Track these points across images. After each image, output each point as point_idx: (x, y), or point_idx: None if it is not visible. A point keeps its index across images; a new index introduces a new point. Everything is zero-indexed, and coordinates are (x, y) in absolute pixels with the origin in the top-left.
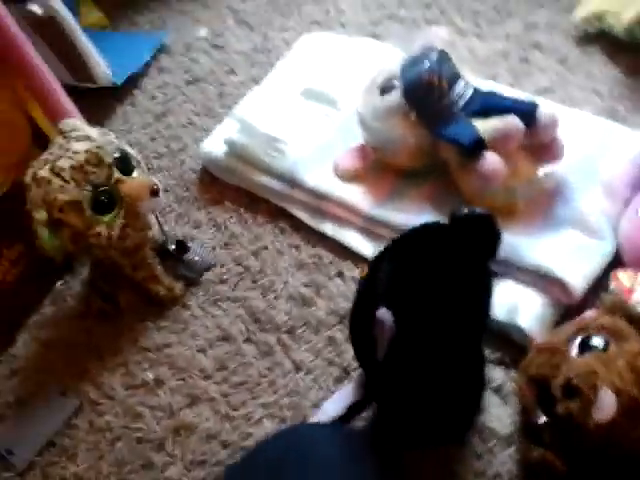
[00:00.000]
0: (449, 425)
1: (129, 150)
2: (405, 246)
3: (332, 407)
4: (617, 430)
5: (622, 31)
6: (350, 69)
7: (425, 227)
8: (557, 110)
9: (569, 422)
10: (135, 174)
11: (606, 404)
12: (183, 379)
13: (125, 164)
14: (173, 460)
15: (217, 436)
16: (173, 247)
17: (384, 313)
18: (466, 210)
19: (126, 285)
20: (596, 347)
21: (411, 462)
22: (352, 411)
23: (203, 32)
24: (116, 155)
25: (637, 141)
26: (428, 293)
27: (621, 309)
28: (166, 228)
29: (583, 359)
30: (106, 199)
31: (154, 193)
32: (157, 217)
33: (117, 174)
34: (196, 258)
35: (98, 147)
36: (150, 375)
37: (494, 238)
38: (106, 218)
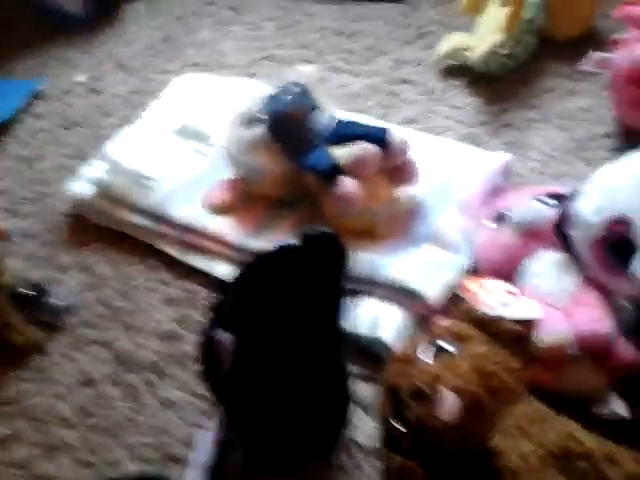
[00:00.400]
0: (314, 442)
1: None
2: (256, 268)
3: (199, 456)
4: (464, 429)
5: (479, 63)
6: (222, 106)
7: (278, 249)
8: (418, 138)
9: (420, 426)
10: None
11: (448, 405)
12: (41, 430)
13: None
14: None
15: None
16: (29, 292)
17: (223, 337)
18: (314, 231)
19: None
20: (445, 352)
21: None
22: (221, 451)
23: (81, 77)
24: None
25: (490, 162)
26: (273, 312)
27: (469, 315)
28: (23, 271)
29: (429, 365)
30: None
31: (3, 237)
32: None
33: None
34: (58, 302)
35: None
36: (6, 430)
37: (340, 255)
38: None
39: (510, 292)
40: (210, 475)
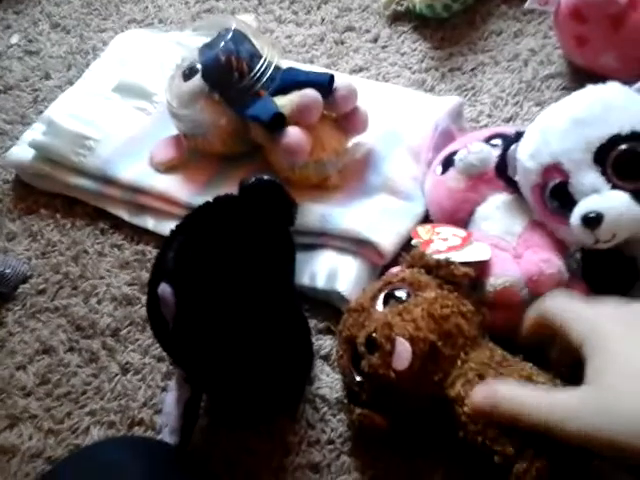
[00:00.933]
0: (278, 396)
1: None
2: (196, 220)
3: (172, 412)
4: (419, 376)
5: (424, 8)
6: (163, 62)
7: (217, 199)
8: (366, 85)
9: (375, 376)
10: None
11: (401, 352)
12: (1, 400)
13: None
14: None
15: (41, 454)
16: None
17: (164, 288)
18: (253, 179)
19: None
20: (397, 299)
21: (242, 439)
22: (190, 410)
23: (15, 38)
24: None
25: (440, 106)
26: (213, 265)
27: (420, 261)
28: None
29: (382, 313)
30: None
31: None
32: None
33: None
34: (7, 271)
35: None
36: None
37: (285, 204)
38: None
39: (459, 236)
40: (181, 436)
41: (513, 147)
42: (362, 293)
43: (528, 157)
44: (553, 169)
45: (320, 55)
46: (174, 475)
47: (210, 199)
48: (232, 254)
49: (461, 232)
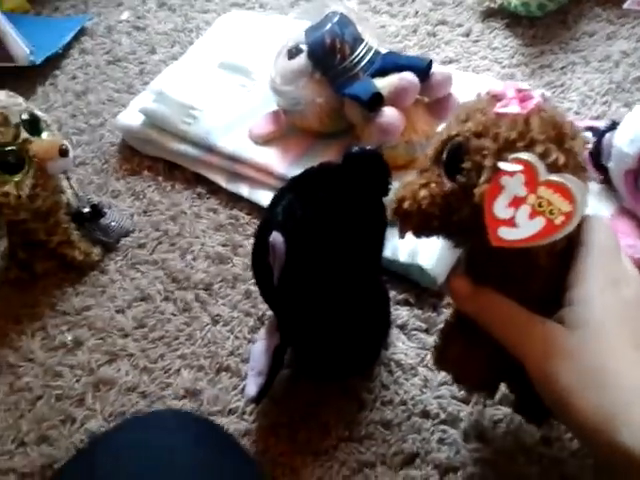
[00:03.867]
0: (356, 358)
1: (38, 112)
2: (304, 182)
3: (260, 358)
4: None
5: (519, 6)
6: (265, 43)
7: (322, 165)
8: (458, 75)
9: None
10: (44, 135)
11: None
12: (102, 338)
13: (33, 125)
14: (93, 413)
15: (136, 388)
16: (88, 210)
17: (276, 237)
18: (357, 148)
19: (43, 252)
20: None
21: (320, 394)
22: (277, 356)
23: (125, 15)
24: (24, 117)
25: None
26: (320, 222)
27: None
28: (81, 193)
29: None
30: (14, 159)
31: (63, 153)
32: (70, 181)
33: (25, 135)
34: (113, 223)
35: (3, 107)
36: (69, 337)
37: (383, 175)
38: (14, 178)
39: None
40: (267, 378)
41: (609, 135)
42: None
43: (628, 142)
44: None
45: (412, 46)
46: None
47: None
48: (335, 215)
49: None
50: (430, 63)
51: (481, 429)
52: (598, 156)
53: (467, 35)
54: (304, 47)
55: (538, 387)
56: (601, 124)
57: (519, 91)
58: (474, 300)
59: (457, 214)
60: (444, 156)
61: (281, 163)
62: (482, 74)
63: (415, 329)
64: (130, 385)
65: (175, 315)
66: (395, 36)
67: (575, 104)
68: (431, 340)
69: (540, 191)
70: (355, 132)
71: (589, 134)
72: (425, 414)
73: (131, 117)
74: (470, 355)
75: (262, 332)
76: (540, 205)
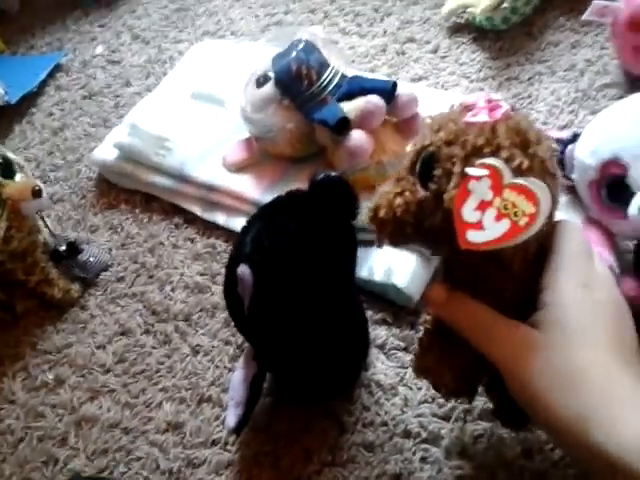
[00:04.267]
0: (336, 381)
1: (11, 155)
2: (272, 210)
3: (238, 388)
4: None
5: (483, 20)
6: (236, 71)
7: (289, 193)
8: (426, 92)
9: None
10: (18, 178)
11: None
12: (83, 376)
13: (6, 169)
14: (76, 452)
15: (118, 424)
16: (64, 248)
17: (243, 269)
18: (322, 175)
19: (22, 292)
20: None
21: (301, 419)
22: (255, 386)
23: (99, 49)
24: None
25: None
26: (288, 251)
27: None
28: (57, 232)
29: None
30: None
31: (36, 194)
32: (45, 221)
33: None
34: (91, 259)
35: None
36: (50, 376)
37: (349, 199)
38: None
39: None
40: (245, 409)
41: (571, 147)
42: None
43: (588, 154)
44: (612, 164)
45: (381, 65)
46: None
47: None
48: (303, 243)
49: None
50: (394, 85)
51: (462, 445)
52: (562, 168)
53: (435, 51)
54: (272, 75)
55: (511, 390)
56: (564, 134)
57: (489, 101)
58: (449, 306)
59: (430, 220)
60: (418, 166)
61: (256, 189)
62: (450, 89)
63: (394, 348)
64: (112, 422)
65: (155, 348)
66: (365, 56)
67: (542, 114)
68: (409, 358)
69: (505, 194)
70: (326, 155)
71: (555, 145)
72: (407, 434)
73: (106, 152)
74: (447, 361)
75: (240, 361)
76: (505, 207)
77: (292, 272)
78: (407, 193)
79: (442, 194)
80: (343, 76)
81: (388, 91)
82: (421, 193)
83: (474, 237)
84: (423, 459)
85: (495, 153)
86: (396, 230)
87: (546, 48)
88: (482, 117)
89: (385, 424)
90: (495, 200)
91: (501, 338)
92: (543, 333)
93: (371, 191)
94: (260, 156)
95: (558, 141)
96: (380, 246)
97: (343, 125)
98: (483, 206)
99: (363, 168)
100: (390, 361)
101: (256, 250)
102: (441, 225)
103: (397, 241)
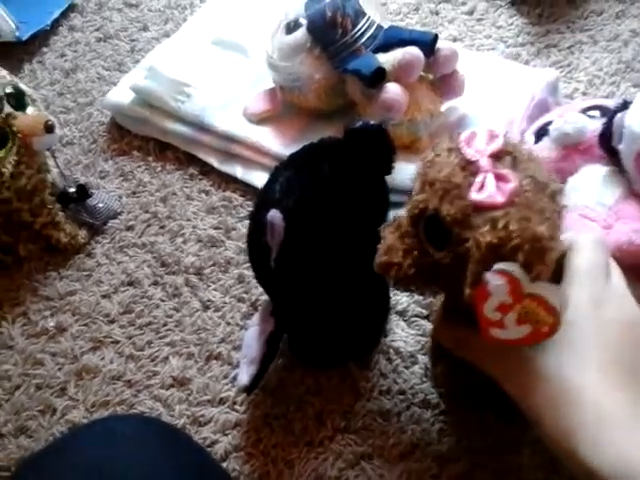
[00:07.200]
0: (354, 345)
1: (23, 87)
2: (303, 158)
3: (253, 345)
4: None
5: None
6: (261, 18)
7: (322, 141)
8: (463, 52)
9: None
10: (29, 111)
11: None
12: (86, 325)
13: (18, 100)
14: (75, 404)
15: (121, 377)
16: (74, 190)
17: (274, 214)
18: (360, 122)
19: (27, 234)
20: None
21: (315, 383)
22: (271, 343)
23: None
24: (8, 90)
25: (535, 80)
26: (321, 200)
27: None
28: (67, 173)
29: None
30: None
31: (49, 129)
32: (55, 160)
33: (8, 109)
34: (100, 205)
35: None
36: (51, 323)
37: (387, 151)
38: None
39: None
40: (260, 366)
41: (620, 115)
42: None
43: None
44: None
45: (414, 24)
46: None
47: None
48: (336, 192)
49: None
50: (435, 38)
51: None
52: (608, 137)
53: (471, 13)
54: (303, 21)
55: (515, 401)
56: (611, 103)
57: (491, 136)
58: (458, 346)
59: (443, 276)
60: (422, 229)
61: (277, 142)
62: (487, 53)
63: (415, 315)
64: (115, 374)
65: (164, 300)
66: (397, 14)
67: (583, 84)
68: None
69: (525, 303)
70: (356, 110)
71: (597, 113)
72: (425, 404)
73: (121, 94)
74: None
75: (255, 318)
76: (526, 314)
77: (324, 222)
78: (416, 252)
79: (458, 254)
80: (379, 27)
81: (428, 44)
82: (435, 255)
83: (497, 334)
84: (441, 430)
85: (511, 255)
86: (407, 286)
87: (589, 17)
88: (490, 193)
89: (403, 392)
90: (516, 306)
91: (508, 360)
92: (546, 352)
93: (402, 149)
94: (284, 108)
95: (602, 109)
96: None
97: (379, 77)
98: (504, 309)
99: (395, 124)
100: (411, 328)
101: (287, 196)
102: (454, 277)
103: (405, 290)
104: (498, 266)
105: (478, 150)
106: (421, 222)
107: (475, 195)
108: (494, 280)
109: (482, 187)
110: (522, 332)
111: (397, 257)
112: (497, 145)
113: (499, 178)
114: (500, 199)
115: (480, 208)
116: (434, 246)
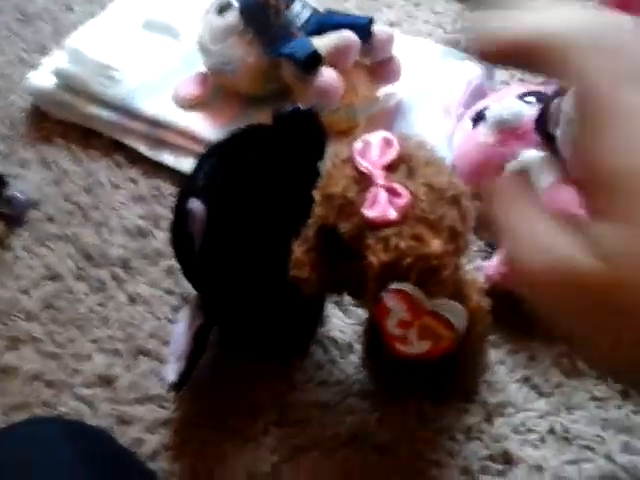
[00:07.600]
0: (289, 337)
1: None
2: (229, 145)
3: (180, 340)
4: None
5: None
6: (192, 1)
7: (250, 127)
8: (400, 38)
9: None
10: None
11: None
12: (3, 322)
13: None
14: None
15: (41, 376)
16: None
17: (195, 203)
18: (290, 107)
19: None
20: None
21: (248, 377)
22: (200, 338)
23: None
24: None
25: (472, 66)
26: (246, 188)
27: None
28: None
29: None
30: None
31: None
32: None
33: None
34: (17, 194)
35: None
36: None
37: (318, 136)
38: None
39: None
40: (188, 363)
41: (557, 100)
42: None
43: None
44: None
45: (352, 8)
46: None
47: None
48: (262, 179)
49: None
50: (371, 21)
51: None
52: (544, 123)
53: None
54: (235, 2)
55: None
56: (547, 89)
57: (386, 142)
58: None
59: (350, 288)
60: (325, 243)
61: (208, 128)
62: (425, 39)
63: (352, 304)
64: (34, 373)
65: (88, 295)
66: None
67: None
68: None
69: (424, 320)
70: (292, 96)
71: (533, 99)
72: (363, 394)
73: (43, 78)
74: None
75: (184, 312)
76: (426, 330)
77: (248, 210)
78: (321, 266)
79: (360, 268)
80: (315, 11)
81: (364, 28)
82: (339, 268)
83: (402, 348)
84: (380, 420)
85: (404, 274)
86: (316, 293)
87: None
88: (381, 210)
89: (340, 383)
90: (415, 323)
91: None
92: None
93: (340, 136)
94: (215, 93)
95: (540, 95)
96: None
97: (313, 61)
98: (405, 325)
99: (332, 110)
100: (347, 317)
101: (210, 184)
102: (361, 290)
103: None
104: (393, 285)
105: (372, 162)
106: (323, 236)
107: (367, 212)
108: (389, 300)
109: (374, 203)
110: (424, 347)
111: (304, 272)
112: (391, 155)
113: (392, 192)
114: (392, 215)
115: (373, 225)
116: (337, 260)
